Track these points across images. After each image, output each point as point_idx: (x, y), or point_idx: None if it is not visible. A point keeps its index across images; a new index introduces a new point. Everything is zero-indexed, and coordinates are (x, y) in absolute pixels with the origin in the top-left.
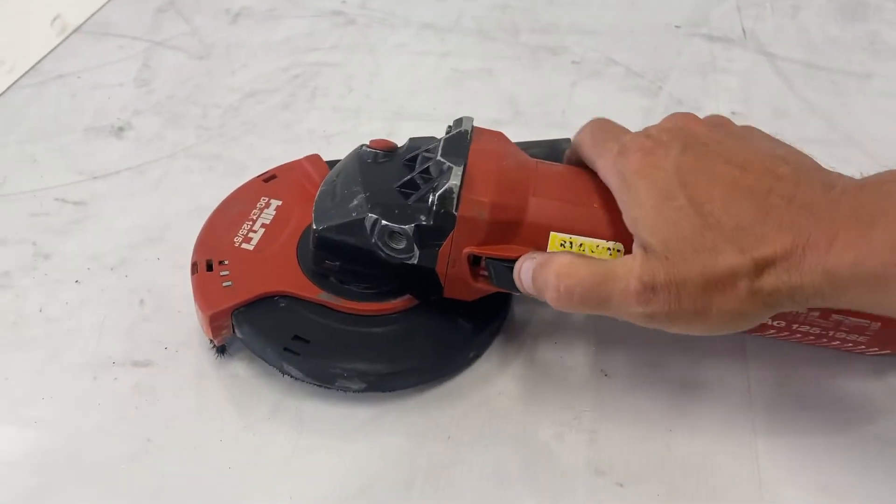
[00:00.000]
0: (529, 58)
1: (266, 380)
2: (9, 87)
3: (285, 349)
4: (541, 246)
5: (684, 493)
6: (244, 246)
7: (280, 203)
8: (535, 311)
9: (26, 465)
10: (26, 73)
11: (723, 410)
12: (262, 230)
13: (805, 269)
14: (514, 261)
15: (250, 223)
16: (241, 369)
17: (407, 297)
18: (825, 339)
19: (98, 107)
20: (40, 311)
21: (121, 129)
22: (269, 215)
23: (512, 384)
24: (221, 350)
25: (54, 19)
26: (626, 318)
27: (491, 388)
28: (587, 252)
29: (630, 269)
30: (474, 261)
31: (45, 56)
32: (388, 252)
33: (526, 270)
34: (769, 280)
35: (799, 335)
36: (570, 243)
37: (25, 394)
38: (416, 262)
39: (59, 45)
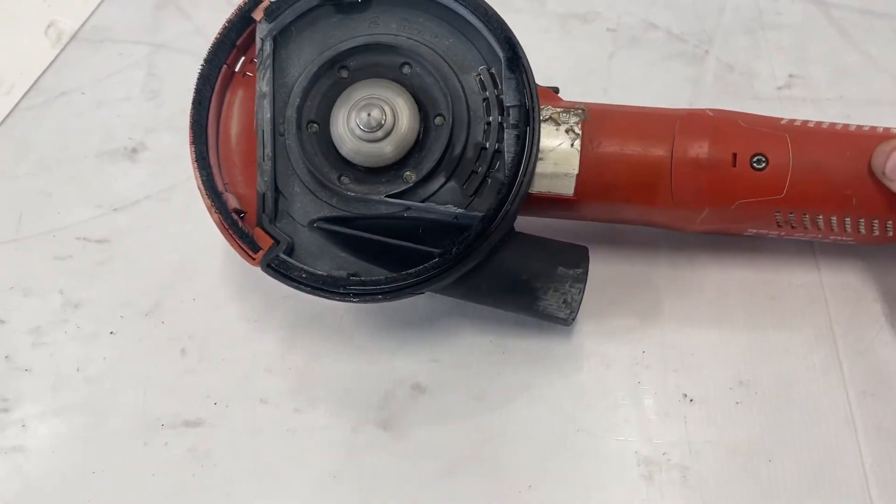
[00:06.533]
0: (559, 29)
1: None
2: (11, 111)
3: None
4: None
5: None
6: None
7: None
8: None
9: None
10: (27, 92)
11: None
12: None
13: None
14: None
15: None
16: (298, 419)
17: None
18: None
19: (107, 127)
20: (78, 371)
21: (134, 150)
22: None
23: None
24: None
25: (48, 28)
26: None
27: None
28: None
29: None
30: None
31: (45, 71)
32: None
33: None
34: None
35: None
36: None
37: (75, 469)
38: None
39: (56, 56)
